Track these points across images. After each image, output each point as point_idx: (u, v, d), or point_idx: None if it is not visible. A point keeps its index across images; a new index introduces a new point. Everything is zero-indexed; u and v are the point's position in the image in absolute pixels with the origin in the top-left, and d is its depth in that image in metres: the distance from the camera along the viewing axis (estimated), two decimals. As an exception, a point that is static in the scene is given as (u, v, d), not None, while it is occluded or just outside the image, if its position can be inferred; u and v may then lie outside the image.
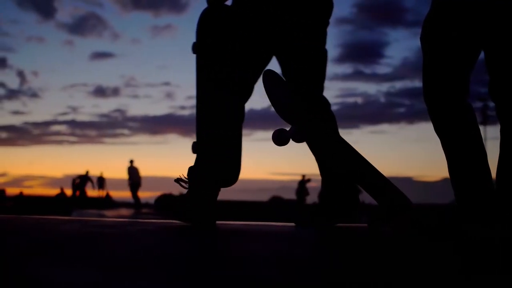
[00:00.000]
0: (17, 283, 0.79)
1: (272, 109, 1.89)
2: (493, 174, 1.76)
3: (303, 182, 18.36)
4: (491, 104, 1.81)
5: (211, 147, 1.90)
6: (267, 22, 1.94)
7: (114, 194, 21.49)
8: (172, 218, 1.87)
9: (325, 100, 2.03)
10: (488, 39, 1.73)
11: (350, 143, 1.80)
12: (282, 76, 1.92)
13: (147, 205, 19.05)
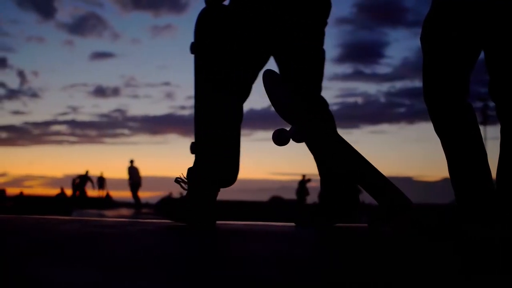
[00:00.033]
0: (17, 283, 0.79)
1: (272, 109, 1.89)
2: (493, 174, 1.76)
3: (303, 182, 18.37)
4: (491, 104, 1.81)
5: (209, 148, 1.90)
6: (265, 22, 1.94)
7: (114, 194, 21.50)
8: (173, 221, 1.87)
9: (323, 100, 2.03)
10: (488, 39, 1.73)
11: (350, 143, 1.80)
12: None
13: (147, 205, 19.05)
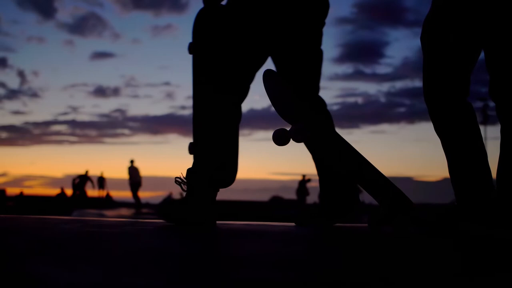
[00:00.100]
0: (17, 282, 0.79)
1: (272, 109, 1.89)
2: (493, 174, 1.76)
3: (304, 182, 18.38)
4: (492, 104, 1.81)
5: (207, 148, 1.90)
6: (263, 22, 1.93)
7: (114, 194, 21.52)
8: (174, 223, 1.86)
9: (321, 100, 2.03)
10: (488, 39, 1.73)
11: (350, 143, 1.80)
12: None
13: (147, 205, 19.05)
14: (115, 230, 1.60)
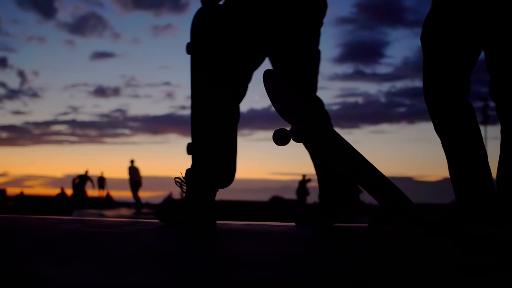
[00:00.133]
0: (17, 282, 0.79)
1: (272, 109, 1.88)
2: (493, 174, 1.75)
3: (304, 182, 18.38)
4: (492, 103, 1.82)
5: (206, 148, 1.90)
6: (260, 22, 1.93)
7: (114, 194, 21.53)
8: (174, 225, 1.87)
9: (319, 100, 2.03)
10: (488, 38, 1.73)
11: (350, 143, 1.80)
12: None
13: (147, 205, 19.05)
14: (115, 230, 1.60)
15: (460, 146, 1.76)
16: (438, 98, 1.77)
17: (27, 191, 27.08)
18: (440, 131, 1.80)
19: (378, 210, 1.80)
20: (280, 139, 1.73)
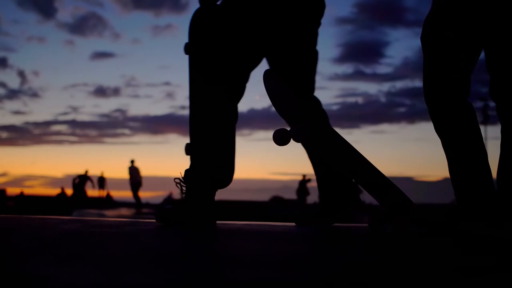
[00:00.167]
0: (17, 282, 0.79)
1: (273, 109, 1.88)
2: (494, 174, 1.76)
3: (304, 182, 18.38)
4: (492, 103, 1.82)
5: (204, 148, 1.90)
6: (258, 23, 1.93)
7: (114, 194, 21.53)
8: (174, 226, 1.87)
9: (316, 100, 2.03)
10: (488, 38, 1.73)
11: (350, 143, 1.80)
12: None
13: (147, 205, 19.05)
14: (115, 230, 1.60)
15: (460, 146, 1.76)
16: (438, 98, 1.77)
17: (27, 191, 27.09)
18: (440, 131, 1.80)
19: (378, 210, 1.80)
20: (280, 139, 1.73)
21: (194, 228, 1.75)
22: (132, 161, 16.62)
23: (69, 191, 18.28)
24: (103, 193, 19.27)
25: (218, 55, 1.90)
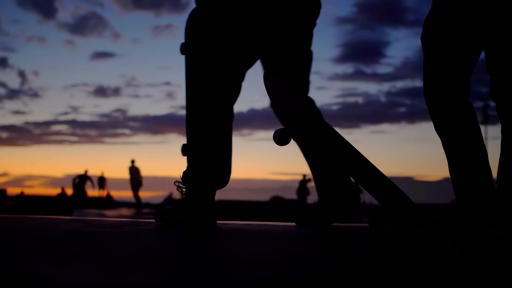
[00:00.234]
0: (17, 282, 0.79)
1: (273, 108, 1.89)
2: (494, 174, 1.76)
3: (304, 181, 18.37)
4: (492, 103, 1.82)
5: (201, 149, 1.90)
6: (253, 23, 1.92)
7: (114, 194, 21.54)
8: (174, 226, 1.87)
9: (311, 100, 2.03)
10: (488, 38, 1.73)
11: (350, 143, 1.80)
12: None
13: (148, 205, 19.06)
14: (115, 230, 1.60)
15: (461, 146, 1.76)
16: (439, 98, 1.77)
17: (28, 191, 27.08)
18: (440, 131, 1.80)
19: (378, 210, 1.80)
20: (281, 139, 1.73)
21: (194, 228, 1.75)
22: (133, 161, 16.62)
23: (69, 191, 18.29)
24: (103, 193, 19.27)
25: (214, 55, 1.90)
